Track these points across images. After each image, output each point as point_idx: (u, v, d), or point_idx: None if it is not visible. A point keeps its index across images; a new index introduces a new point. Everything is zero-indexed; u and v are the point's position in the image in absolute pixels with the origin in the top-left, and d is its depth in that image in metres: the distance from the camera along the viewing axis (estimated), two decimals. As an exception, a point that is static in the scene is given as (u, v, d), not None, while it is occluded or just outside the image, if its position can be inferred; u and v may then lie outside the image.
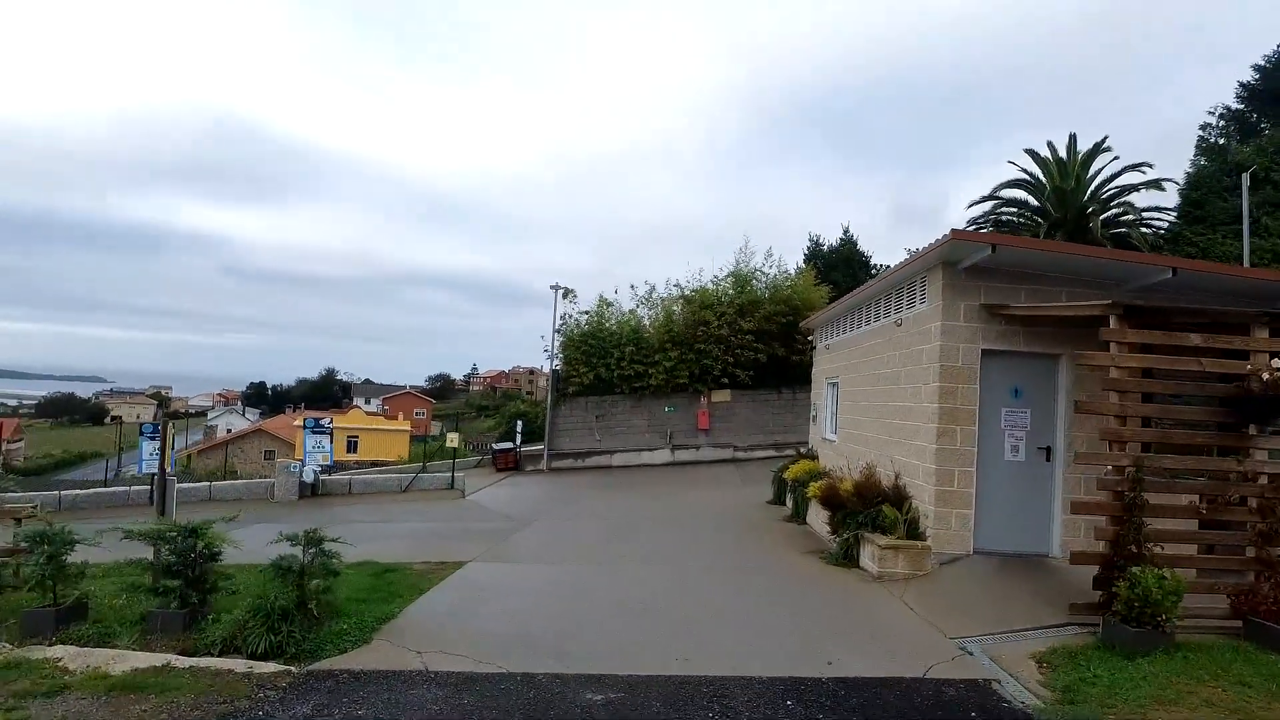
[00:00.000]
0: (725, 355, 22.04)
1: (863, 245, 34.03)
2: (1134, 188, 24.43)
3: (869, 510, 8.37)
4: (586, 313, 23.74)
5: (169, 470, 8.42)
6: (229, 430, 78.87)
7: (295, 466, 16.47)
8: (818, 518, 10.33)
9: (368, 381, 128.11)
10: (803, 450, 14.76)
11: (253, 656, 5.79)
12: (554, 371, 23.70)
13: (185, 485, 16.62)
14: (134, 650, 5.91)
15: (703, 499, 15.00)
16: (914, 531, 8.00)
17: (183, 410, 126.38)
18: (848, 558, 8.45)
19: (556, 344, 23.63)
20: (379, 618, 6.60)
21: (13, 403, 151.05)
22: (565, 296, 23.82)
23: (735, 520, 12.11)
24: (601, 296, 23.87)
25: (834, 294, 22.19)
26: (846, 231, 34.48)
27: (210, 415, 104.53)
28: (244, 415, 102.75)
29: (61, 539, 6.66)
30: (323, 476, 16.99)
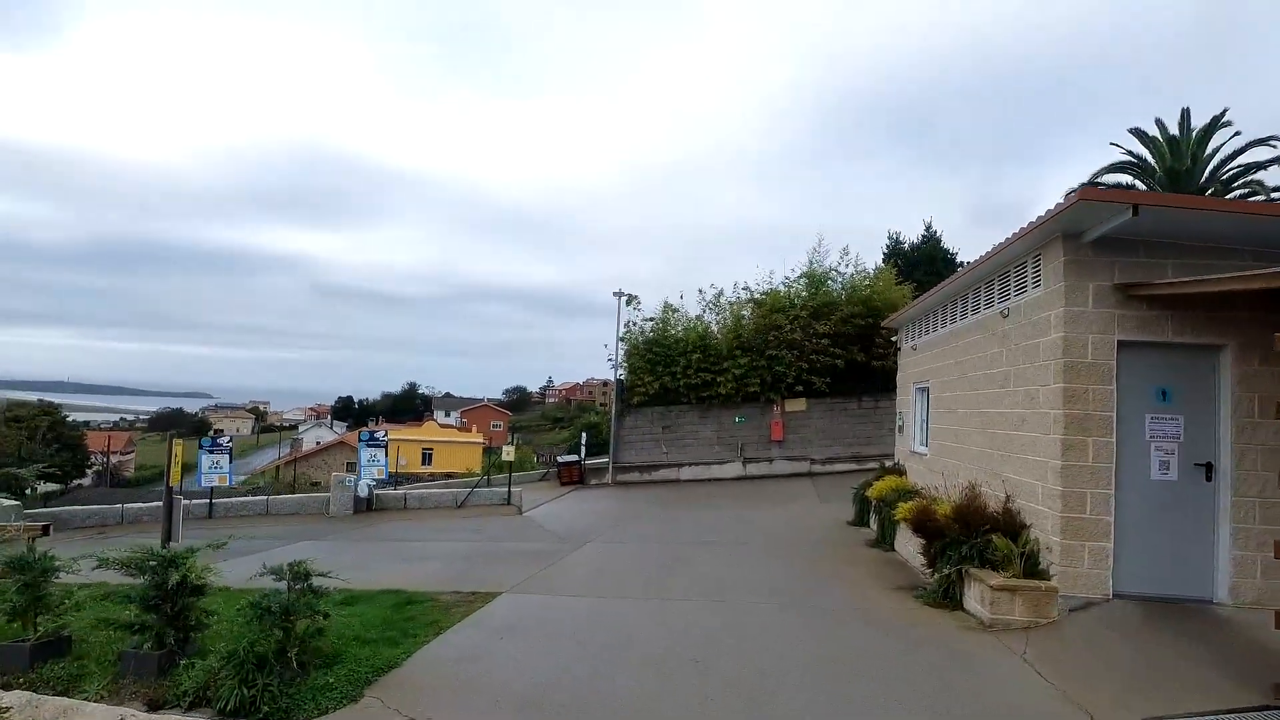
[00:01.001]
0: (799, 361, 20.50)
1: (946, 243, 31.75)
2: (1261, 165, 21.55)
3: (974, 540, 6.86)
4: (651, 319, 22.67)
5: (178, 488, 7.73)
6: (317, 443, 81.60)
7: (350, 481, 15.97)
8: (908, 544, 8.81)
9: (448, 395, 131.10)
10: (887, 464, 13.15)
11: (223, 714, 4.89)
12: (618, 381, 22.69)
13: (242, 499, 16.41)
14: (93, 701, 5.09)
15: (775, 518, 13.57)
16: (1033, 568, 6.46)
17: (277, 424, 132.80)
18: (948, 597, 6.95)
19: (620, 352, 22.64)
20: (380, 665, 5.60)
21: (130, 417, 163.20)
22: (629, 303, 22.84)
23: (812, 544, 10.66)
24: (666, 302, 22.76)
25: (917, 293, 20.38)
26: (929, 228, 32.26)
27: (301, 428, 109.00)
28: (331, 428, 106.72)
29: (42, 564, 5.97)
30: (377, 491, 16.45)
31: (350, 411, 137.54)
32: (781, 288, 22.16)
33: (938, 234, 31.90)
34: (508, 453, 16.86)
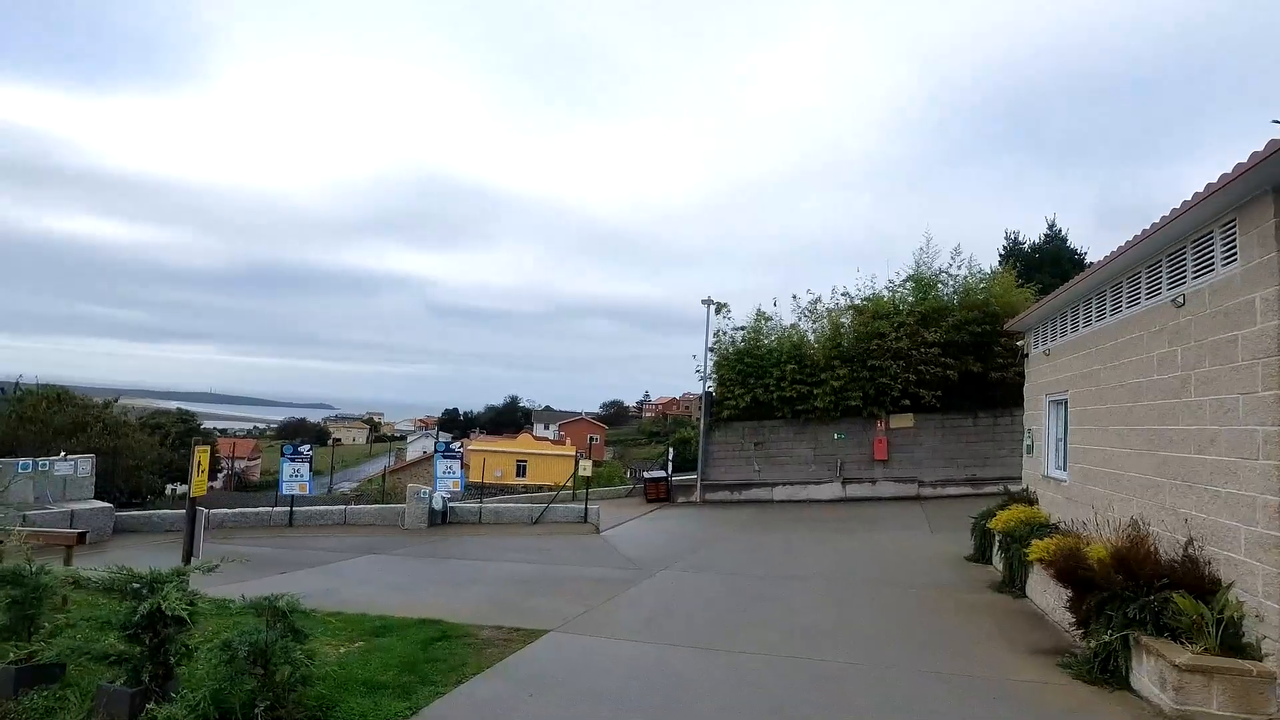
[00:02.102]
0: (905, 372, 18.56)
1: (1073, 243, 28.61)
2: None
3: (1144, 597, 5.20)
4: (742, 328, 21.28)
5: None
6: (423, 452, 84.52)
7: (424, 493, 15.48)
8: (1047, 593, 7.11)
9: (548, 408, 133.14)
10: (1013, 489, 11.27)
11: (180, 778, 4.04)
12: (706, 394, 21.41)
13: (321, 509, 16.24)
14: (48, 749, 4.38)
15: (878, 548, 11.89)
16: (1234, 641, 4.76)
17: (389, 434, 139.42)
18: (1107, 671, 5.31)
19: (709, 364, 21.36)
20: (376, 724, 4.63)
21: (262, 426, 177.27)
22: (718, 311, 21.54)
23: (922, 584, 9.00)
24: (759, 310, 21.32)
25: (1040, 297, 18.08)
26: (1052, 226, 29.18)
27: (409, 439, 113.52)
28: (436, 439, 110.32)
29: (34, 581, 5.39)
30: (452, 504, 15.89)
31: (456, 423, 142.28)
32: (885, 293, 20.28)
33: (1063, 232, 28.84)
34: (584, 468, 15.93)
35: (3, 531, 6.33)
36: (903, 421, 19.23)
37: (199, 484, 6.54)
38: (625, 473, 34.42)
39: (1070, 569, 5.99)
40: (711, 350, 21.39)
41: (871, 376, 18.88)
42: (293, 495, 15.60)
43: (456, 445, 16.53)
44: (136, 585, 4.92)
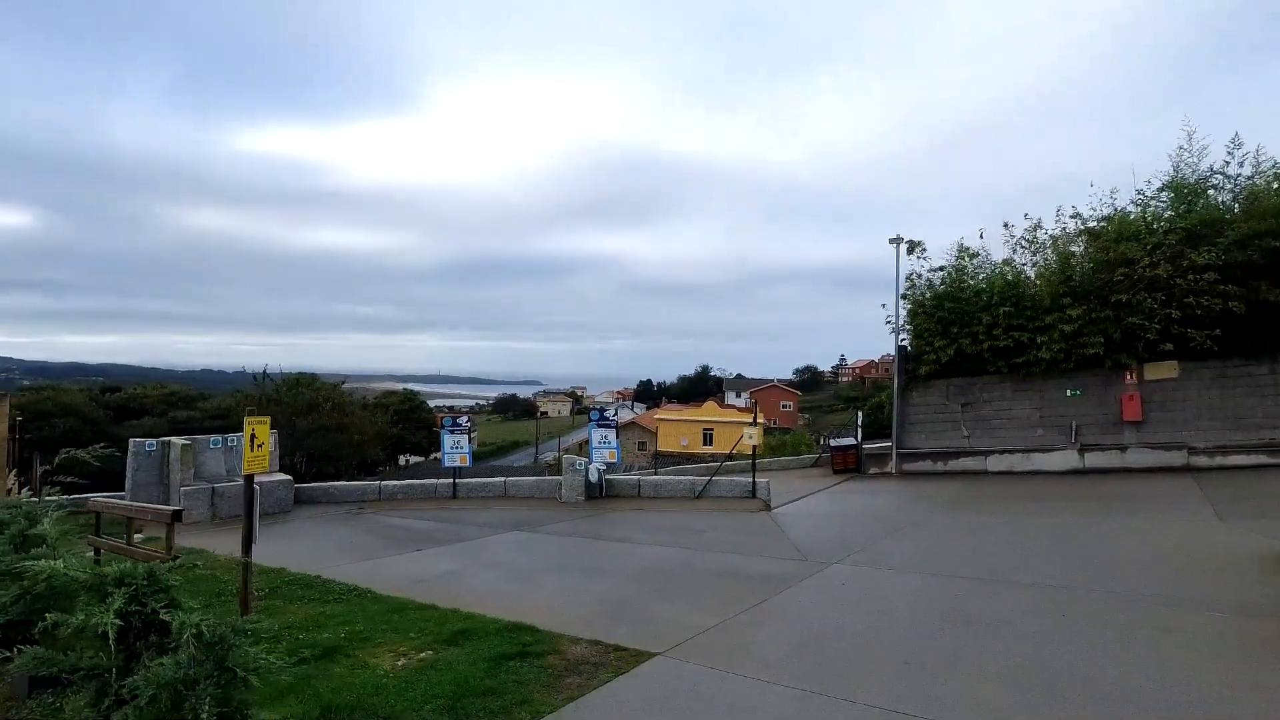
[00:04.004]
0: (1164, 308, 14.42)
1: None
2: None
3: None
4: (941, 268, 17.96)
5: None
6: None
7: (580, 464, 14.51)
8: None
9: (739, 376, 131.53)
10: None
11: None
12: (900, 349, 18.44)
13: (482, 481, 15.91)
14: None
15: (1136, 541, 8.83)
16: None
17: (589, 406, 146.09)
18: None
19: (902, 313, 18.33)
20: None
21: (482, 402, 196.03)
22: (910, 251, 18.35)
23: (1214, 599, 6.11)
24: (960, 244, 17.84)
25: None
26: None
27: (607, 410, 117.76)
28: (632, 409, 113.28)
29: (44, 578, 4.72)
30: (610, 476, 14.79)
31: (650, 394, 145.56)
32: (1132, 209, 15.98)
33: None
34: (750, 435, 14.02)
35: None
36: (1162, 371, 15.09)
37: (255, 460, 5.66)
38: (814, 440, 31.80)
39: None
40: (904, 298, 18.34)
41: (1116, 316, 14.94)
42: (456, 467, 15.37)
43: (611, 414, 15.34)
44: (110, 587, 3.97)
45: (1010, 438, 16.47)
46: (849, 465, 18.46)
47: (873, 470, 18.04)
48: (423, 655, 5.25)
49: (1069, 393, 15.92)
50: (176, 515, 7.05)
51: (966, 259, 17.78)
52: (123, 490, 13.75)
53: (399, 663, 5.13)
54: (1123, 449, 15.07)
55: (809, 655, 5.17)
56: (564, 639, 5.48)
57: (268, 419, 5.94)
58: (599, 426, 14.83)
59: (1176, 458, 14.45)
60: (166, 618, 3.78)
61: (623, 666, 4.90)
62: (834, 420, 62.87)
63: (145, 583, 3.84)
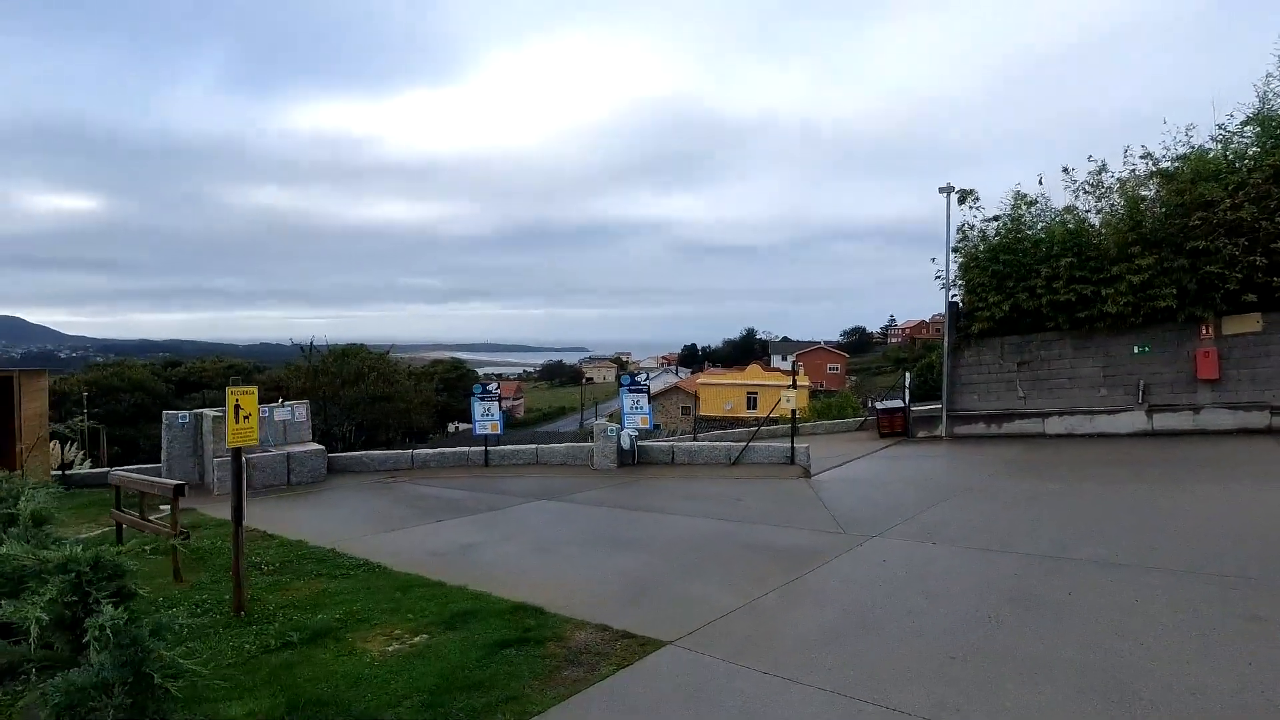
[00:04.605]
0: (1247, 255, 13.12)
1: None
2: None
3: None
4: (996, 218, 16.78)
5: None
6: (664, 386, 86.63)
7: (612, 431, 14.06)
8: None
9: (785, 339, 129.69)
10: None
11: None
12: (950, 305, 17.40)
13: (513, 448, 15.61)
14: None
15: (1215, 512, 7.95)
16: None
17: (633, 371, 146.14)
18: None
19: (953, 267, 17.26)
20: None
21: (529, 369, 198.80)
22: (962, 201, 17.19)
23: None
24: (1018, 192, 16.60)
25: None
26: None
27: (651, 375, 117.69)
28: (677, 374, 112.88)
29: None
30: (643, 443, 14.32)
31: (695, 358, 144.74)
32: (1211, 146, 14.53)
33: None
34: (789, 399, 13.33)
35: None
36: (1243, 325, 13.82)
37: (241, 432, 5.31)
38: (861, 403, 30.85)
39: None
40: (955, 251, 17.25)
41: (1191, 265, 13.67)
42: (485, 435, 15.10)
43: (643, 379, 14.81)
44: (50, 574, 3.63)
45: (1071, 398, 15.42)
46: (896, 428, 17.67)
47: (921, 434, 17.21)
48: (416, 640, 4.87)
49: (1136, 349, 14.76)
50: (179, 490, 6.84)
51: (1024, 207, 16.57)
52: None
53: (390, 648, 4.76)
54: (1196, 410, 13.93)
55: (839, 647, 4.60)
56: (570, 623, 5.04)
57: (254, 389, 5.57)
58: (631, 392, 14.33)
59: (1258, 419, 13.27)
60: (110, 609, 3.45)
61: (628, 658, 4.42)
62: (882, 382, 61.30)
63: (90, 570, 3.50)
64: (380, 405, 34.91)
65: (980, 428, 16.23)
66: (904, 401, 18.64)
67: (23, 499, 4.85)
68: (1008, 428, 15.81)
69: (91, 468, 18.84)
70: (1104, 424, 14.68)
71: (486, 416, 15.14)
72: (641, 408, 14.16)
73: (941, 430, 16.82)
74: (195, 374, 47.62)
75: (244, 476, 5.53)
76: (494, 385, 15.65)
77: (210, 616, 5.61)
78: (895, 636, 4.71)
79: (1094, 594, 5.30)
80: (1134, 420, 14.41)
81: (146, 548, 5.26)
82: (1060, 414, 15.23)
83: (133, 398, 40.56)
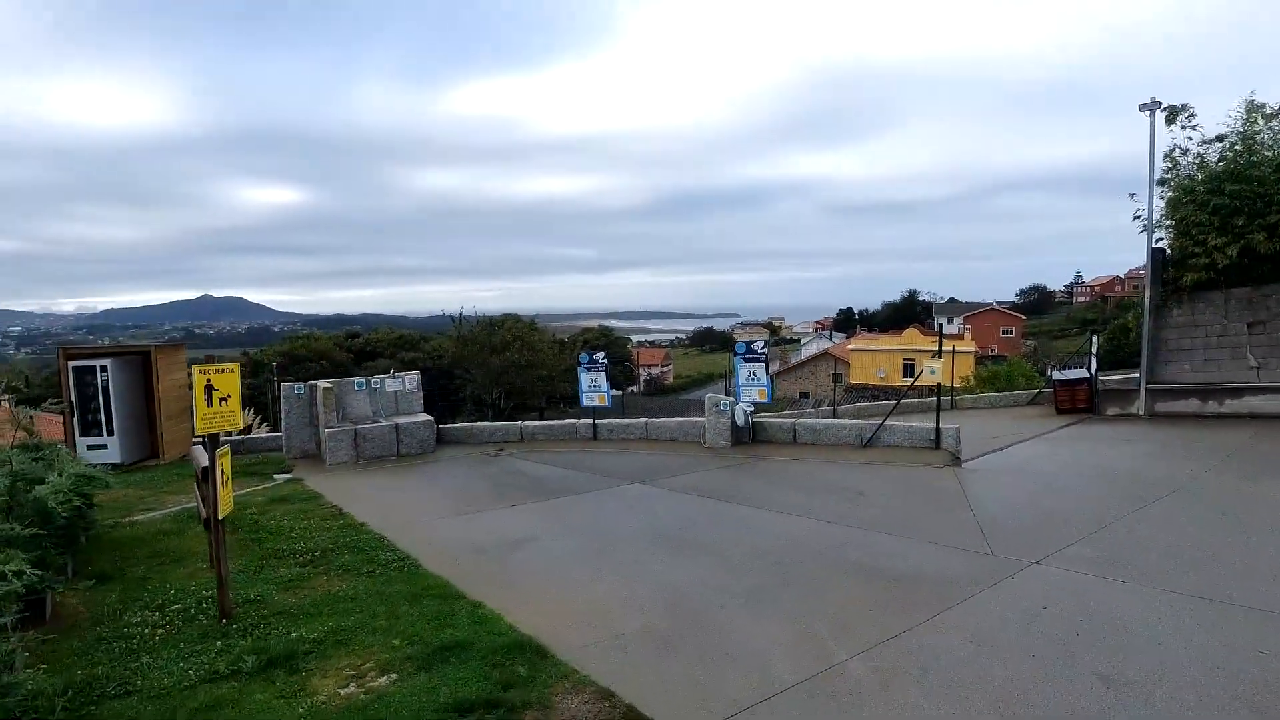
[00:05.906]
0: None
1: None
2: None
3: None
4: (1220, 139, 13.24)
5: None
6: (817, 350, 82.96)
7: (725, 405, 12.56)
8: None
9: (951, 300, 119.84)
10: None
11: None
12: (1154, 252, 14.06)
13: (623, 422, 14.51)
14: None
15: None
16: None
17: (787, 337, 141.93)
18: None
19: (1158, 205, 13.89)
20: None
21: (682, 336, 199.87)
22: (1172, 120, 13.70)
23: None
24: (1250, 103, 12.95)
25: None
26: None
27: (804, 340, 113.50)
28: (830, 339, 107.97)
29: None
30: (760, 419, 12.69)
31: (851, 323, 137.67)
32: None
33: None
34: (933, 369, 11.13)
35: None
36: None
37: (214, 418, 4.47)
38: (1036, 372, 26.87)
39: None
40: (1162, 184, 13.86)
41: None
42: (594, 407, 14.13)
43: (759, 346, 13.07)
44: None
45: (1328, 367, 11.90)
46: (1078, 404, 14.74)
47: (1111, 411, 14.18)
48: (379, 682, 3.80)
49: None
50: (204, 472, 6.29)
51: (1260, 122, 12.91)
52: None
53: (343, 691, 3.72)
54: None
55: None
56: (568, 681, 3.74)
57: (235, 366, 4.71)
58: (746, 361, 12.72)
59: None
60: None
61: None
62: (1064, 347, 54.31)
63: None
64: (525, 373, 35.51)
65: (1193, 404, 13.02)
66: (1089, 371, 15.52)
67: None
68: (1232, 405, 12.52)
69: (269, 431, 20.22)
70: (1379, 402, 11.14)
71: (594, 388, 14.16)
72: (759, 379, 12.51)
73: (1138, 407, 13.74)
74: (371, 344, 51.46)
75: (216, 469, 4.72)
76: (601, 355, 14.58)
77: (196, 623, 4.90)
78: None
79: None
80: None
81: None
82: (1311, 388, 11.79)
83: (318, 366, 44.45)
